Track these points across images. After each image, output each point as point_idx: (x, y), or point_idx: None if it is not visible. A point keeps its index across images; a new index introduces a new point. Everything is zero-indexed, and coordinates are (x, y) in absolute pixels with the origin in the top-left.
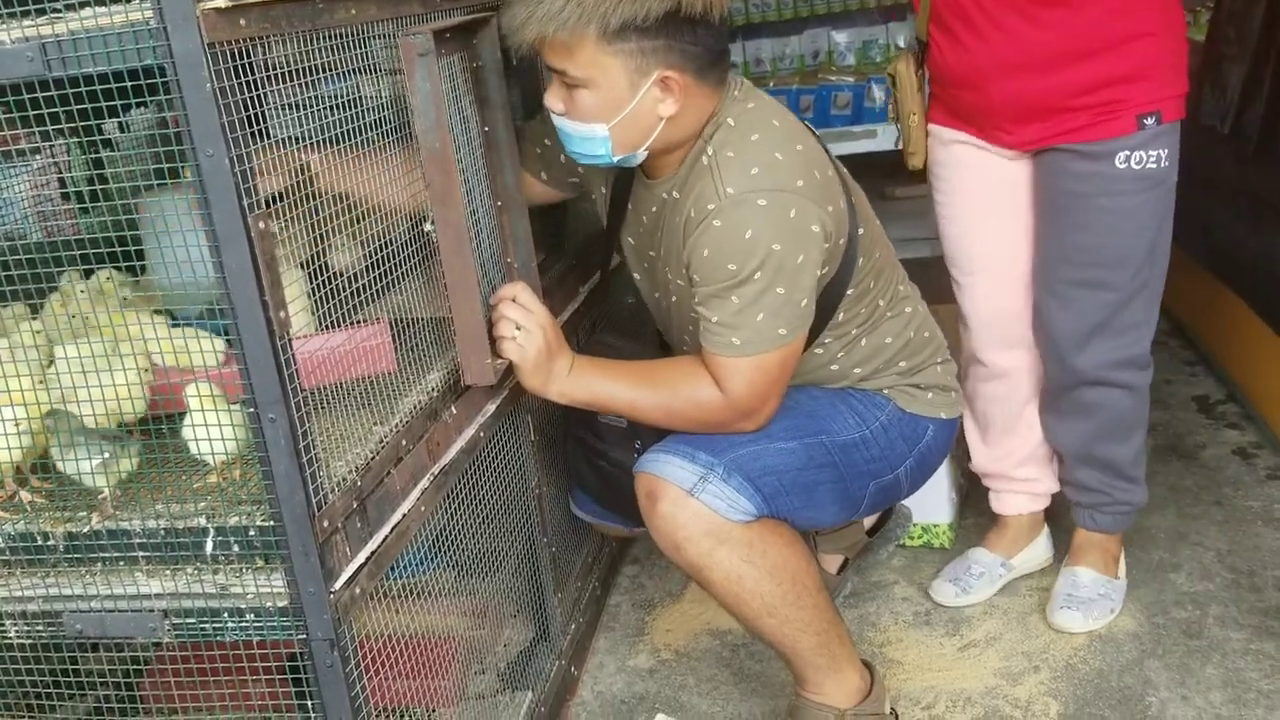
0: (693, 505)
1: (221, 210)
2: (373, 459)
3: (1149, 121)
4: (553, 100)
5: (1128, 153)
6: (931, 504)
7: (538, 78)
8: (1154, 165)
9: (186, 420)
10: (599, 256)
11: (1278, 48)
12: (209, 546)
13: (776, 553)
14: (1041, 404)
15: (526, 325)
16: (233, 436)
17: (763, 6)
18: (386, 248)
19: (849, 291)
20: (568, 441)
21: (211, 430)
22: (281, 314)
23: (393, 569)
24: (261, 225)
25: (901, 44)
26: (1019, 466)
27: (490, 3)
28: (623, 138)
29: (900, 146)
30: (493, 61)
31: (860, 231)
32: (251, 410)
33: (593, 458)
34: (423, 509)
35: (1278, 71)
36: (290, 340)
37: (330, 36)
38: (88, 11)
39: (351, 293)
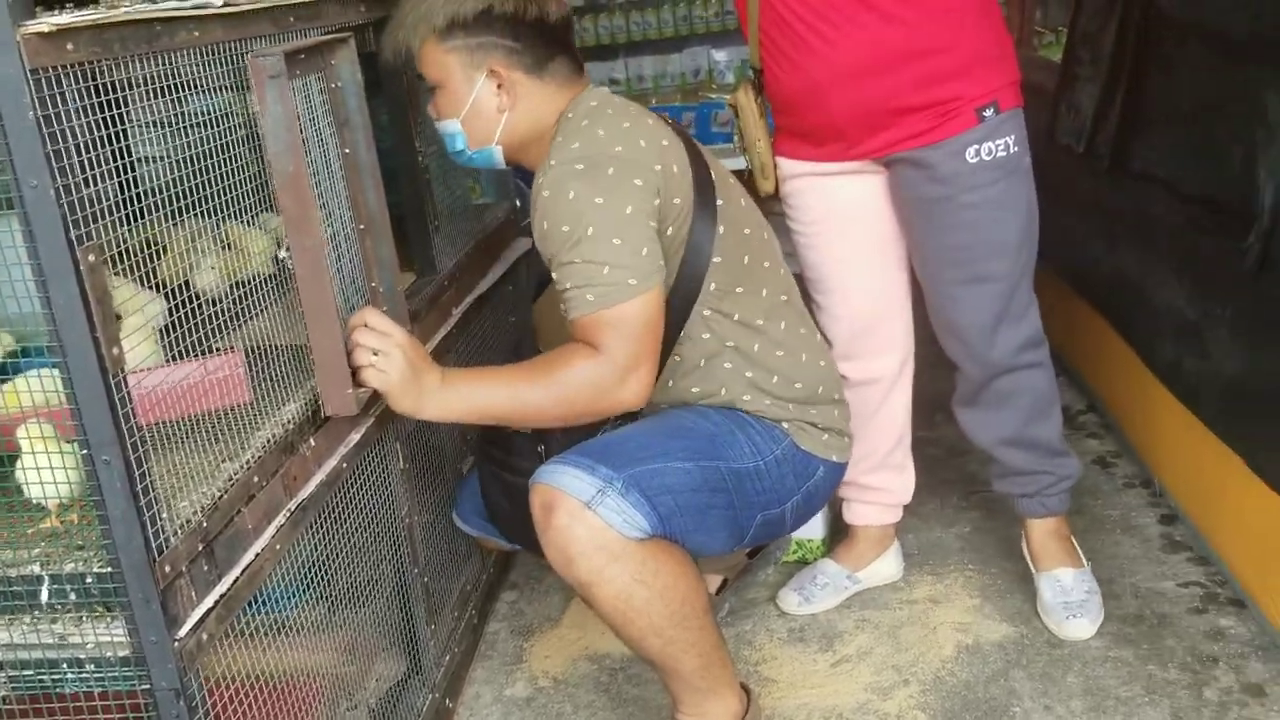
0: (589, 519)
1: (47, 244)
2: (221, 498)
3: (988, 113)
4: (431, 109)
5: (976, 146)
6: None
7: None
8: (1004, 153)
9: (19, 462)
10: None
11: (1128, 69)
12: (44, 595)
13: (668, 573)
14: (959, 403)
15: (383, 348)
16: (66, 480)
17: (644, 25)
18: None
19: (715, 260)
20: (478, 456)
21: (46, 473)
22: (115, 351)
23: (251, 606)
24: (91, 259)
25: None
26: (870, 473)
27: (345, 24)
28: (473, 131)
29: (749, 175)
30: (352, 82)
31: (720, 203)
32: (85, 452)
33: (499, 470)
34: (278, 547)
35: (1129, 93)
36: (125, 378)
37: (173, 59)
38: None
39: (206, 319)
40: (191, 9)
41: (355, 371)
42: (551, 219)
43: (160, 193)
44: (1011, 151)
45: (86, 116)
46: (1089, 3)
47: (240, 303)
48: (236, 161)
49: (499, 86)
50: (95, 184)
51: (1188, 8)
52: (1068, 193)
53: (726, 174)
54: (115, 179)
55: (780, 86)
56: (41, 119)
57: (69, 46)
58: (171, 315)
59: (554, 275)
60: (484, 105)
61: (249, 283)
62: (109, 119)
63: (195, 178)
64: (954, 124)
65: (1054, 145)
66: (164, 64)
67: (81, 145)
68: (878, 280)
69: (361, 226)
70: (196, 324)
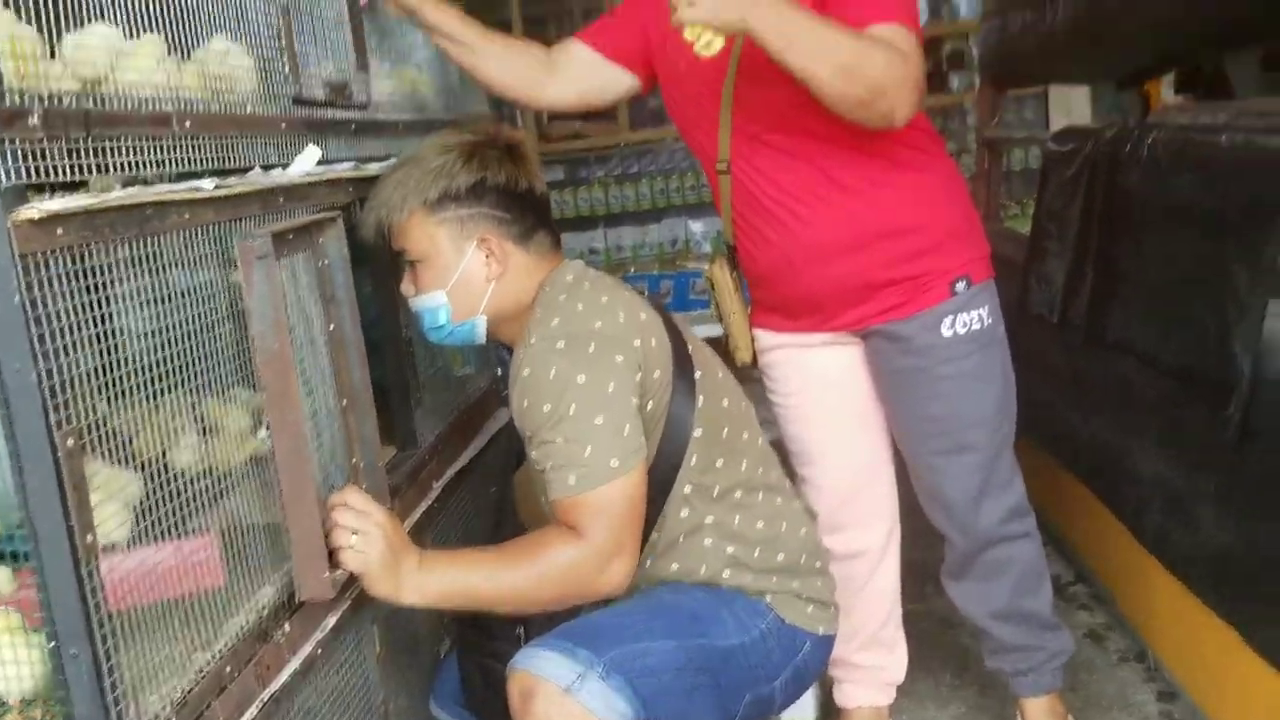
0: (569, 706)
1: (25, 428)
2: (191, 690)
3: (961, 286)
4: (406, 286)
5: (951, 318)
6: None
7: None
8: (978, 325)
9: None
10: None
11: (1097, 242)
12: None
13: None
14: (948, 575)
15: (363, 529)
16: (31, 674)
17: (623, 198)
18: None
19: (695, 433)
20: (455, 638)
21: (10, 666)
22: (89, 539)
23: None
24: (70, 443)
25: None
26: (861, 651)
27: (333, 203)
28: (459, 302)
29: (726, 345)
30: (339, 259)
31: (699, 375)
32: (52, 644)
33: (477, 653)
34: None
35: (1098, 265)
36: (97, 567)
37: (162, 241)
38: None
39: (185, 500)
40: (184, 193)
41: (333, 552)
42: (532, 397)
43: (142, 368)
44: (986, 323)
45: (72, 299)
46: (1054, 178)
47: (219, 483)
48: (218, 337)
49: (488, 255)
50: (77, 366)
51: (1152, 186)
52: (1044, 363)
53: (702, 345)
54: (97, 356)
55: (754, 262)
56: (28, 303)
57: (59, 231)
58: (148, 494)
59: (532, 453)
60: (473, 275)
61: (227, 461)
62: (93, 297)
63: (177, 353)
64: (928, 297)
65: (1027, 316)
66: (152, 244)
67: (66, 328)
68: (860, 450)
69: (345, 402)
70: (174, 506)
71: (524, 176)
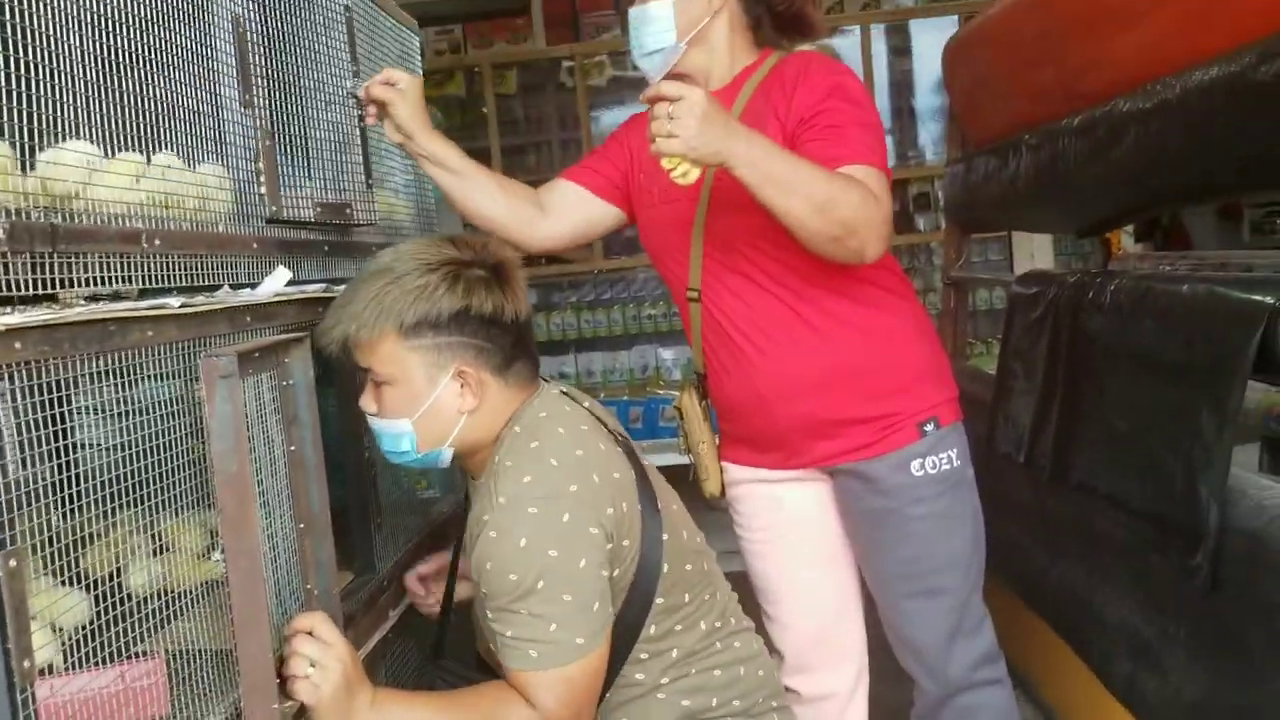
0: None
1: None
2: None
3: (929, 428)
4: (366, 401)
5: (919, 460)
6: None
7: None
8: (948, 466)
9: None
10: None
11: (1063, 384)
12: None
13: None
14: None
15: (323, 661)
16: None
17: (595, 324)
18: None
19: (657, 600)
20: None
21: None
22: (25, 664)
23: None
24: (13, 564)
25: None
26: None
27: (301, 324)
28: (426, 432)
29: (692, 477)
30: (304, 381)
31: (665, 538)
32: None
33: None
34: None
35: (1064, 406)
36: (33, 694)
37: (125, 358)
38: None
39: (134, 622)
40: (147, 309)
41: (285, 679)
42: (498, 562)
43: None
44: (955, 465)
45: (28, 415)
46: (1020, 320)
47: (170, 605)
48: (178, 455)
49: (463, 387)
50: (27, 484)
51: (1116, 331)
52: (1011, 503)
53: (670, 500)
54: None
55: (723, 392)
56: None
57: (17, 345)
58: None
59: (489, 615)
60: (444, 406)
61: (180, 582)
62: (50, 412)
63: (134, 470)
64: (896, 438)
65: (994, 454)
66: (113, 360)
67: (19, 443)
68: (828, 590)
69: (301, 526)
70: (124, 628)
71: (510, 303)
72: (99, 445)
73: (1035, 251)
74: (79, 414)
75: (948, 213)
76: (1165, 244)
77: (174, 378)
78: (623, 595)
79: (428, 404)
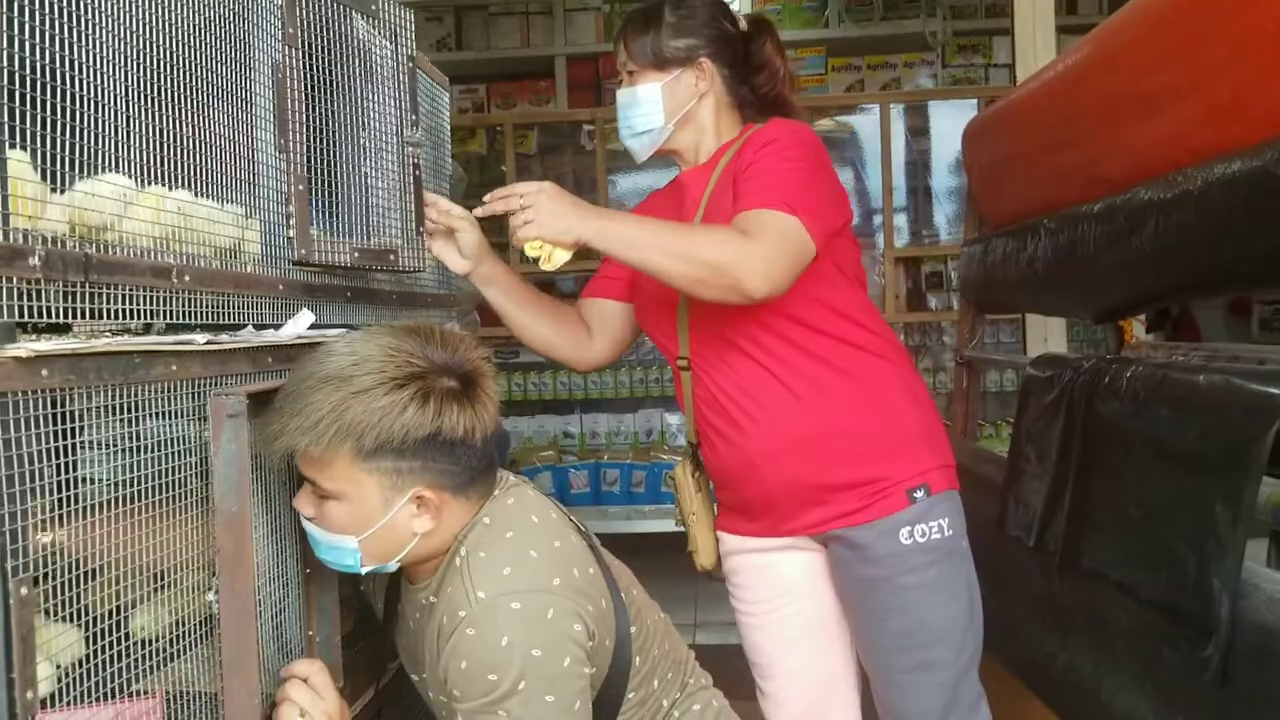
0: None
1: None
2: None
3: (919, 495)
4: (303, 504)
5: (909, 528)
6: None
7: None
8: (939, 535)
9: None
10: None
11: (1075, 469)
12: None
13: None
14: None
15: (312, 712)
16: None
17: (601, 385)
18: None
19: (629, 695)
20: None
21: None
22: (29, 695)
23: None
24: (23, 592)
25: None
26: None
27: None
28: (373, 550)
29: (688, 548)
30: None
31: (632, 629)
32: None
33: None
34: None
35: (1076, 490)
36: None
37: (146, 391)
38: None
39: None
40: (173, 344)
41: None
42: (474, 661)
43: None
44: (946, 534)
45: (45, 443)
46: (1033, 404)
47: (171, 645)
48: (188, 493)
49: (420, 508)
50: (40, 513)
51: (1131, 419)
52: (1018, 585)
53: (631, 581)
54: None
55: (717, 461)
56: (0, 443)
57: (43, 372)
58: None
59: (459, 716)
60: (396, 528)
61: (182, 623)
62: (66, 441)
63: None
64: (884, 504)
65: (1003, 537)
66: (131, 394)
67: (36, 472)
68: (823, 664)
69: (307, 571)
70: (124, 665)
71: (481, 420)
72: (109, 481)
73: (1048, 335)
74: (92, 448)
75: (963, 292)
76: (1174, 335)
77: (185, 415)
78: (594, 693)
79: (379, 526)
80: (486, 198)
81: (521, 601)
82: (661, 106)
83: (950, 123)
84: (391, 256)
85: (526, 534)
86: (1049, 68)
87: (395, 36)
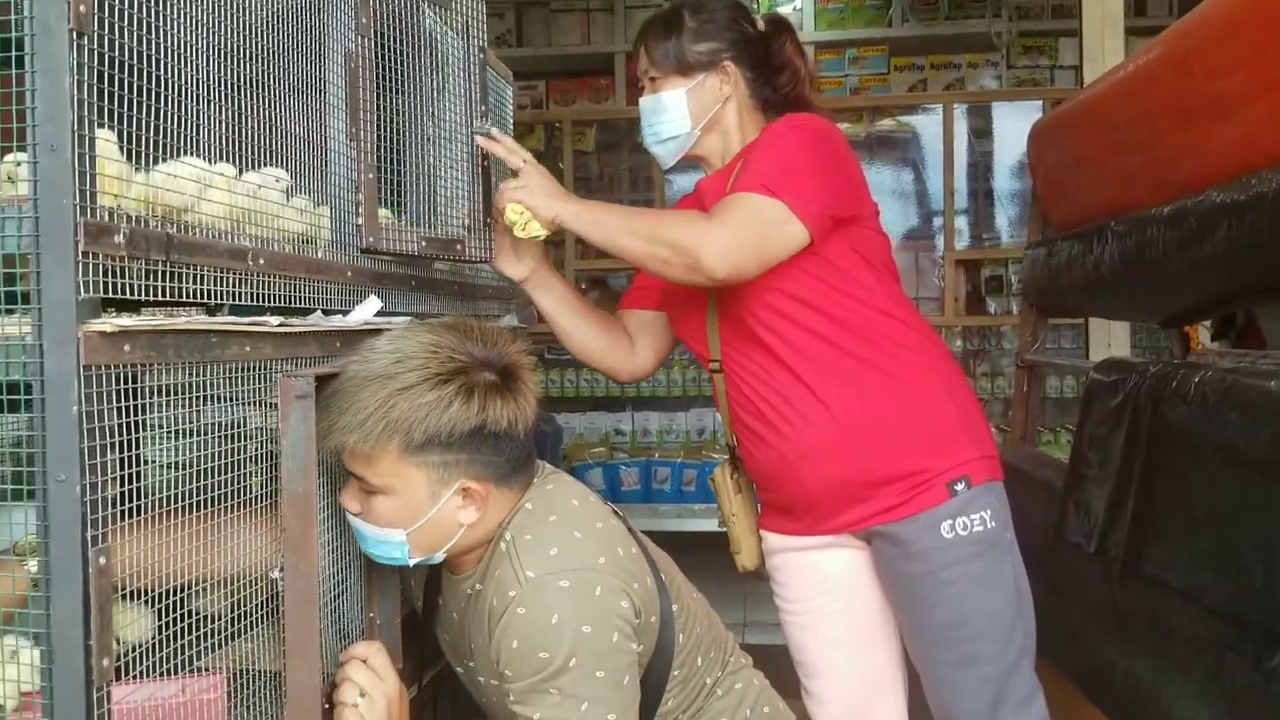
0: None
1: (61, 541)
2: None
3: (959, 487)
4: (349, 501)
5: (950, 521)
6: None
7: None
8: (980, 528)
9: None
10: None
11: (1140, 475)
12: None
13: None
14: None
15: (372, 694)
16: None
17: (653, 383)
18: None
19: (675, 673)
20: None
21: None
22: (104, 662)
23: None
24: (102, 561)
25: None
26: None
27: None
28: (421, 542)
29: (731, 549)
30: None
31: (674, 608)
32: None
33: None
34: None
35: (1140, 497)
36: (109, 694)
37: (220, 370)
38: None
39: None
40: (249, 325)
41: (333, 706)
42: (526, 640)
43: (175, 495)
44: (989, 526)
45: (124, 417)
46: (1096, 408)
47: (234, 623)
48: (255, 472)
49: (466, 499)
50: (114, 486)
51: (1199, 424)
52: (1077, 592)
53: (667, 563)
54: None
55: (755, 462)
56: (84, 414)
57: (126, 348)
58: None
59: (511, 697)
60: (444, 520)
61: (244, 602)
62: (143, 417)
63: (214, 484)
64: (925, 498)
65: (1062, 541)
66: (203, 372)
67: (112, 445)
68: (868, 662)
69: None
70: (189, 640)
71: (523, 411)
72: (179, 460)
73: (1112, 340)
74: (166, 425)
75: (1025, 296)
76: (1239, 343)
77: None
78: (641, 670)
79: (427, 518)
80: (495, 131)
81: (570, 579)
82: (687, 112)
83: (1014, 124)
84: (458, 246)
85: (569, 516)
86: (1119, 68)
87: (467, 28)
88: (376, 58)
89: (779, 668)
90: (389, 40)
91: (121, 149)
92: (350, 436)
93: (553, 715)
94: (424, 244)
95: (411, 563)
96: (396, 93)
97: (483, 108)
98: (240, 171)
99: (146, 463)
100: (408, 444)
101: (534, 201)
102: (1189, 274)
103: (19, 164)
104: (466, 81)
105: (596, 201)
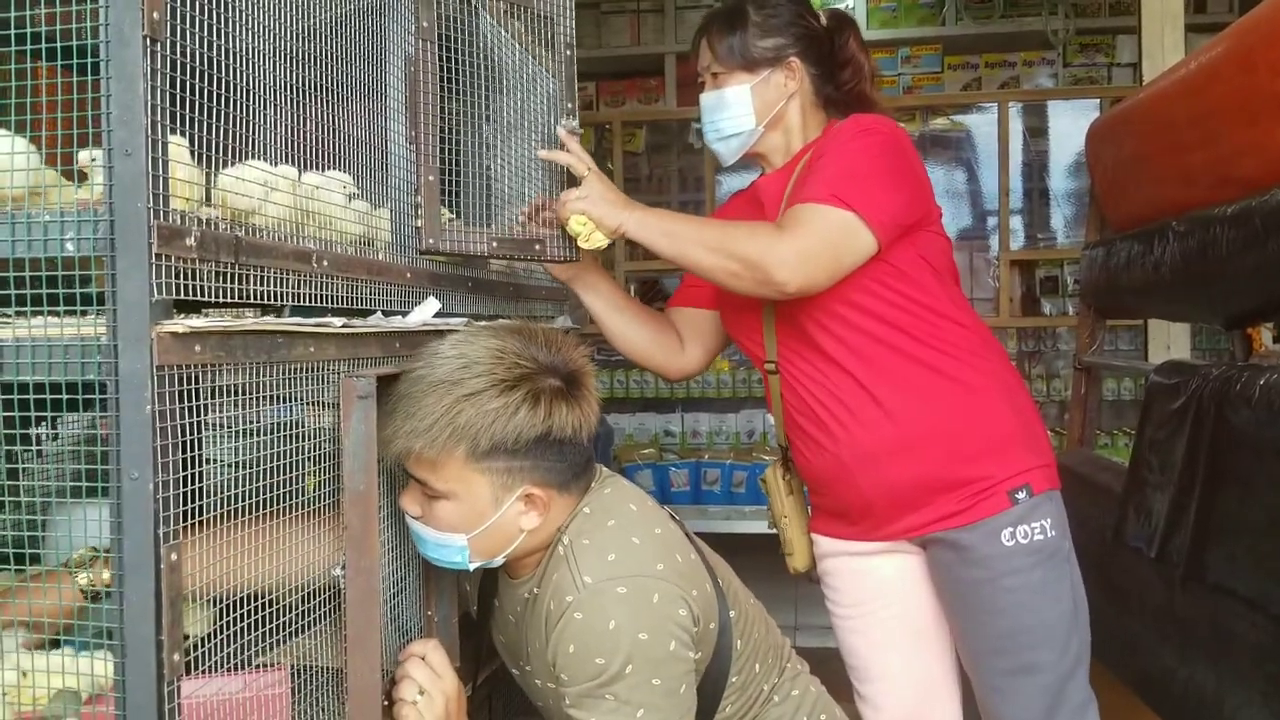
0: None
1: (134, 537)
2: None
3: (1020, 496)
4: (409, 504)
5: (1010, 529)
6: None
7: None
8: (1041, 537)
9: None
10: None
11: (1202, 479)
12: None
13: None
14: None
15: (431, 690)
16: None
17: (703, 384)
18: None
19: (732, 679)
20: None
21: None
22: (175, 657)
23: None
24: (173, 557)
25: None
26: None
27: None
28: (481, 547)
29: (783, 551)
30: None
31: (732, 614)
32: None
33: None
34: None
35: (1202, 501)
36: (179, 687)
37: (284, 371)
38: (39, 320)
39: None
40: (313, 326)
41: (393, 703)
42: (581, 645)
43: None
44: (1049, 535)
45: (194, 416)
46: (1157, 411)
47: (298, 619)
48: (316, 472)
49: (528, 505)
50: (185, 484)
51: (1262, 429)
52: (1137, 597)
53: (725, 569)
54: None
55: (808, 464)
56: (157, 414)
57: (197, 348)
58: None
59: (566, 699)
60: (506, 525)
61: (307, 598)
62: (211, 417)
63: (276, 483)
64: (986, 505)
65: (1121, 546)
66: (266, 372)
67: (183, 444)
68: (922, 667)
69: None
70: (253, 638)
71: (587, 418)
72: (243, 460)
73: (1171, 342)
74: (232, 425)
75: (1083, 297)
76: None
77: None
78: (698, 677)
79: (489, 524)
80: (564, 133)
81: (627, 586)
82: (751, 108)
83: (1070, 123)
84: (538, 246)
85: (628, 521)
86: (1179, 66)
87: (552, 24)
88: (439, 62)
89: (830, 671)
90: (450, 45)
91: (192, 154)
92: (416, 442)
93: None
94: (494, 245)
95: (471, 567)
96: (456, 96)
97: (569, 105)
98: (300, 174)
99: (209, 463)
100: (473, 450)
101: (599, 212)
102: (1253, 274)
103: (94, 159)
104: (546, 79)
105: (661, 210)
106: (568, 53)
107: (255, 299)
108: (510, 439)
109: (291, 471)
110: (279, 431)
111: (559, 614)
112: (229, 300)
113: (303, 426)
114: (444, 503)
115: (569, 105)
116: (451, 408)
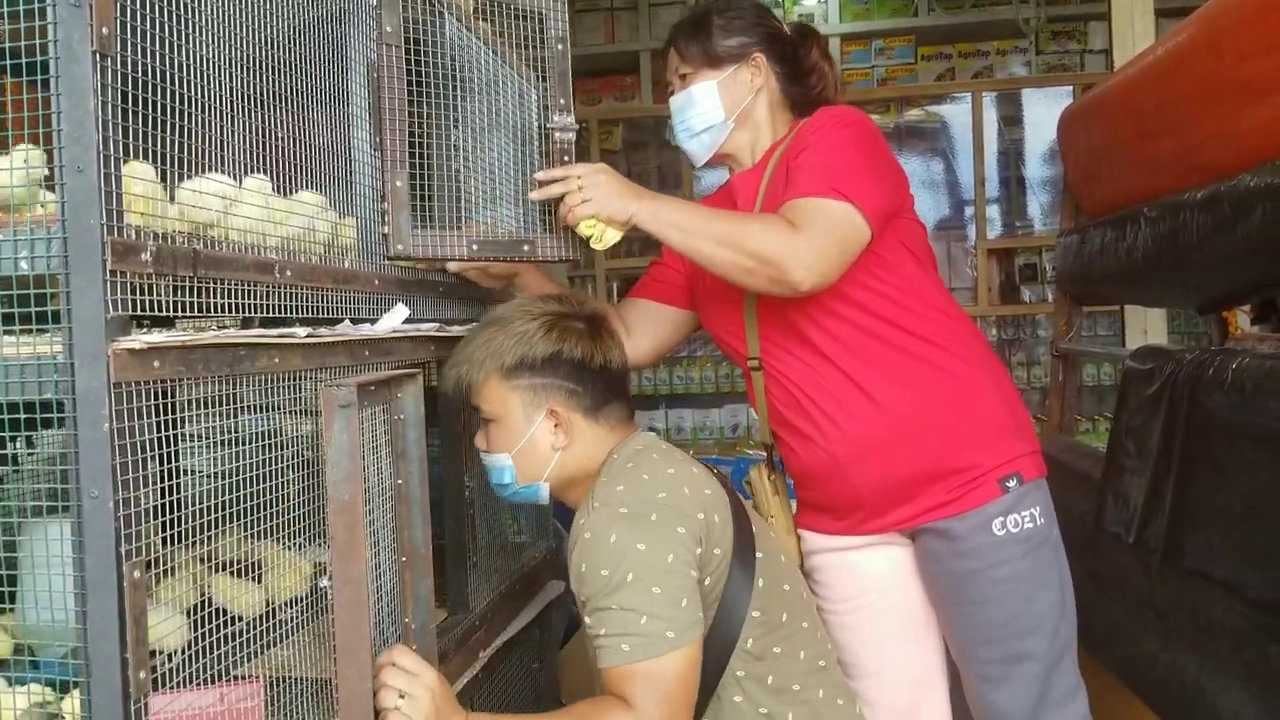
0: None
1: (95, 555)
2: None
3: (1011, 484)
4: (480, 439)
5: (1001, 518)
6: None
7: None
8: (1031, 525)
9: None
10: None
11: (1177, 463)
12: None
13: None
14: None
15: (410, 690)
16: None
17: (686, 380)
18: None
19: (753, 614)
20: None
21: None
22: (141, 674)
23: None
24: (135, 575)
25: None
26: None
27: (415, 360)
28: (524, 467)
29: None
30: (414, 415)
31: (760, 556)
32: None
33: None
34: None
35: (1178, 486)
36: (146, 705)
37: (250, 382)
38: None
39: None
40: (276, 337)
41: (378, 714)
42: (590, 561)
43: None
44: (1039, 524)
45: (155, 432)
46: (1133, 397)
47: (272, 631)
48: (286, 484)
49: (556, 425)
50: (147, 500)
51: (1237, 411)
52: (1117, 583)
53: (766, 528)
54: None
55: (796, 459)
56: (115, 431)
57: (155, 364)
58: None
59: (587, 620)
60: (539, 443)
61: (282, 609)
62: (173, 432)
63: (245, 496)
64: (977, 495)
65: (1102, 532)
66: (233, 384)
67: (144, 460)
68: (914, 661)
69: (403, 559)
70: (227, 650)
71: (600, 352)
72: (211, 472)
73: (1148, 327)
74: (197, 439)
75: (1059, 284)
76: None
77: (288, 409)
78: (714, 606)
79: (524, 440)
80: (540, 175)
81: (628, 507)
82: (720, 103)
83: (1044, 111)
84: (526, 248)
85: (643, 462)
86: (1149, 52)
87: (544, 20)
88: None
89: None
90: (414, 49)
91: (156, 170)
92: (464, 366)
93: (615, 630)
94: (475, 248)
95: (519, 488)
96: (423, 100)
97: (562, 101)
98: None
99: (184, 475)
100: (501, 366)
101: (607, 211)
102: (1223, 259)
103: (25, 159)
104: (515, 80)
105: (673, 199)
106: (559, 47)
107: (217, 312)
108: (529, 357)
109: (271, 481)
110: (249, 444)
111: (575, 539)
112: (198, 314)
113: (276, 438)
114: (493, 426)
115: (561, 101)
116: (490, 335)
